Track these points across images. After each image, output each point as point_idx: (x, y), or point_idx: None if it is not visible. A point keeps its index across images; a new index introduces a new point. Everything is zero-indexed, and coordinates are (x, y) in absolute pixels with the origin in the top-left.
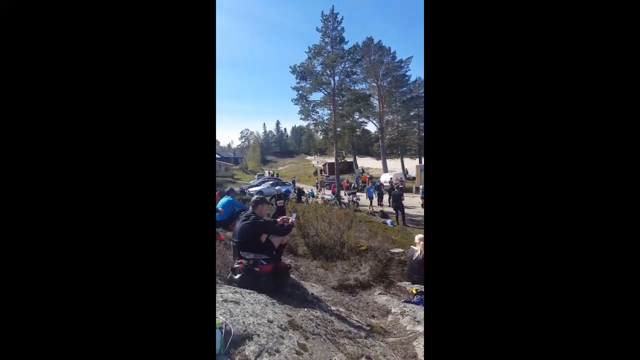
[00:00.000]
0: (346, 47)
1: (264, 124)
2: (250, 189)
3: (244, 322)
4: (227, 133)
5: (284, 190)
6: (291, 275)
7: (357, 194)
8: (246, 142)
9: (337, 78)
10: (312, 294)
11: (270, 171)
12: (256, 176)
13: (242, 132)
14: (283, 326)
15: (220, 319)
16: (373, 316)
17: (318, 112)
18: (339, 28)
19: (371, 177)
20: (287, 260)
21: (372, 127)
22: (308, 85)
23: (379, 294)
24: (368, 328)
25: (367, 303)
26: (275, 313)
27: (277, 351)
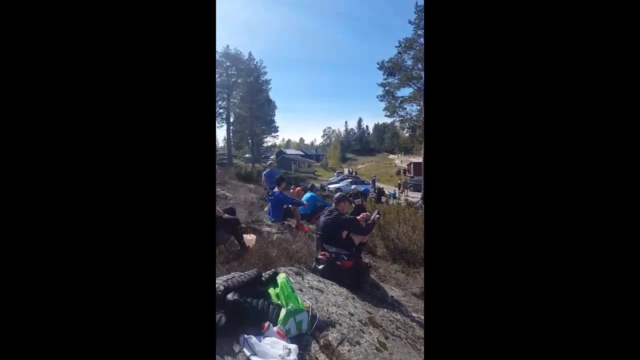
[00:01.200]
0: None
1: (346, 122)
2: (330, 186)
3: (327, 310)
4: (311, 131)
5: (362, 189)
6: (371, 275)
7: None
8: (328, 140)
9: None
10: (392, 296)
11: (350, 169)
12: (335, 173)
13: (324, 130)
14: (363, 321)
15: (307, 302)
16: None
17: (405, 109)
18: None
19: None
20: (365, 259)
21: None
22: (396, 81)
23: None
24: None
25: None
26: (356, 307)
27: (358, 343)
